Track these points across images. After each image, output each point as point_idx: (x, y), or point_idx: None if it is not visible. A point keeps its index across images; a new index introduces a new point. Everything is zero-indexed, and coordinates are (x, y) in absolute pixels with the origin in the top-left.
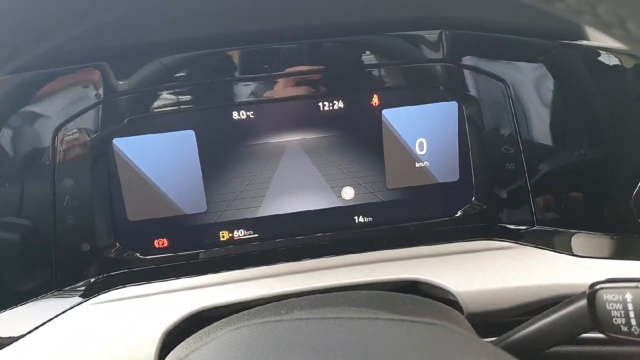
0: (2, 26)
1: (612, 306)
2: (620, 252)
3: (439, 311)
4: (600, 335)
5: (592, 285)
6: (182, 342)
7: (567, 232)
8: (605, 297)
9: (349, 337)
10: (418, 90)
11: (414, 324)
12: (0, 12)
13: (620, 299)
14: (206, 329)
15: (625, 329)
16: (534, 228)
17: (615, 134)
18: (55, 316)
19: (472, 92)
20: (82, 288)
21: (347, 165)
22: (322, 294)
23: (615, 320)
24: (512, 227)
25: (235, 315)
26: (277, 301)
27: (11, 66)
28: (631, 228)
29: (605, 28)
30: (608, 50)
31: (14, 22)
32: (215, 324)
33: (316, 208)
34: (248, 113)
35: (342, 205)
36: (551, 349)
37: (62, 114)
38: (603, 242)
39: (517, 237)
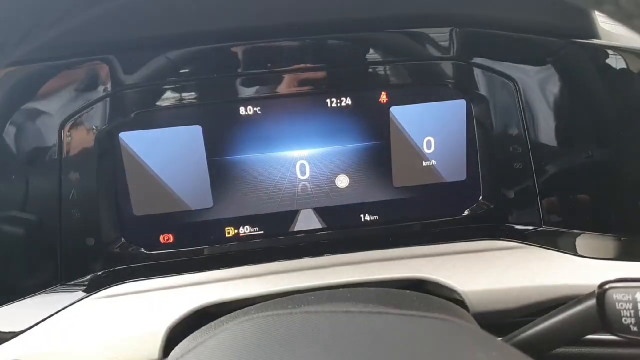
0: (16, 6)
1: (622, 306)
2: (627, 253)
3: (446, 308)
4: (607, 337)
5: (602, 284)
6: (188, 337)
7: (574, 233)
8: (615, 296)
9: (359, 330)
10: (427, 88)
11: (423, 318)
12: None
13: (631, 299)
14: (212, 323)
15: (634, 328)
16: (541, 228)
17: (624, 135)
18: (60, 310)
19: (482, 90)
20: (87, 282)
21: (354, 163)
22: (329, 290)
23: (625, 320)
24: (518, 227)
25: (242, 309)
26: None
27: (22, 51)
28: (638, 229)
29: (626, 19)
30: (618, 49)
31: (28, 3)
32: (221, 318)
33: (322, 205)
34: (255, 109)
35: (348, 203)
36: (557, 350)
37: (68, 107)
38: (610, 243)
39: (524, 237)
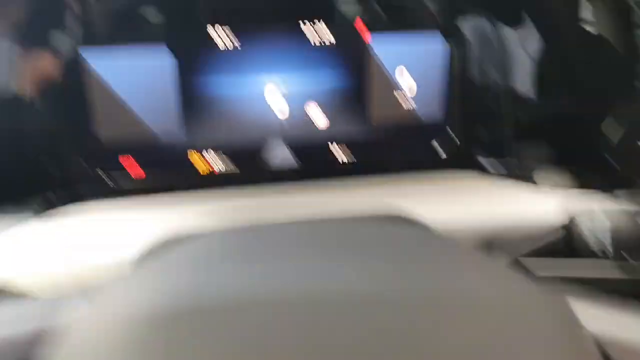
0: None
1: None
2: (584, 185)
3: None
4: None
5: (568, 214)
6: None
7: (541, 168)
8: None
9: (311, 232)
10: (408, 21)
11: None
12: None
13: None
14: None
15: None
16: (509, 164)
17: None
18: (11, 230)
19: (463, 32)
20: (41, 203)
21: (330, 97)
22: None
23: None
24: (487, 160)
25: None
26: None
27: None
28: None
29: None
30: None
31: None
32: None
33: (295, 140)
34: (224, 28)
35: (322, 138)
36: None
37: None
38: (570, 176)
39: (492, 171)
